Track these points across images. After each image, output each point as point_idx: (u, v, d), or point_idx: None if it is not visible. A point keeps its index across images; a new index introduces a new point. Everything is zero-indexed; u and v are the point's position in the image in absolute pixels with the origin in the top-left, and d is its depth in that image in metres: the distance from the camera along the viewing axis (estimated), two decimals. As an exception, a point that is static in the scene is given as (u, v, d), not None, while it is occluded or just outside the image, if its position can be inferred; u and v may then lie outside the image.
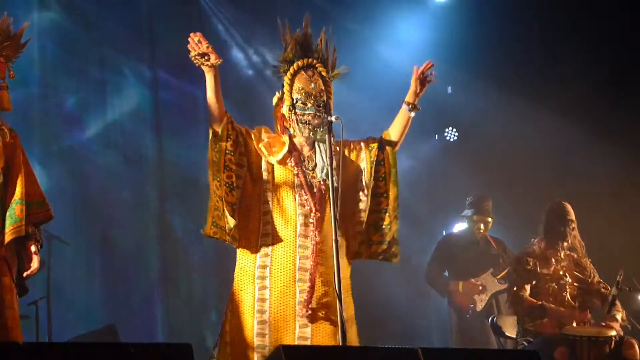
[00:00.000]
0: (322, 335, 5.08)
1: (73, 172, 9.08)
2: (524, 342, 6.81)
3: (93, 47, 9.31)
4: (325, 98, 5.24)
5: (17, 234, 4.90)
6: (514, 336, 7.04)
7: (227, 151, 5.15)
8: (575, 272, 6.84)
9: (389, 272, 9.15)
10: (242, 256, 5.20)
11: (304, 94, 5.23)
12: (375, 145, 5.34)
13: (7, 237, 4.89)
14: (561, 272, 6.82)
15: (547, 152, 9.55)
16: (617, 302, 6.75)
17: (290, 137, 5.29)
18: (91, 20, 9.28)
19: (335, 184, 4.98)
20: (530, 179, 9.42)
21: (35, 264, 5.01)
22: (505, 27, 9.63)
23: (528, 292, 6.85)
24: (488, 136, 9.86)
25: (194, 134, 9.62)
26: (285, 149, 5.21)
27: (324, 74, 5.29)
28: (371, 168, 5.30)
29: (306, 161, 5.26)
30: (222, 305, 9.42)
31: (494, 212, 8.61)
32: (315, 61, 5.29)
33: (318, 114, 5.20)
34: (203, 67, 5.02)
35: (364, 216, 5.27)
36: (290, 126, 5.26)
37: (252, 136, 5.23)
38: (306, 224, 5.15)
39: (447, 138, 10.38)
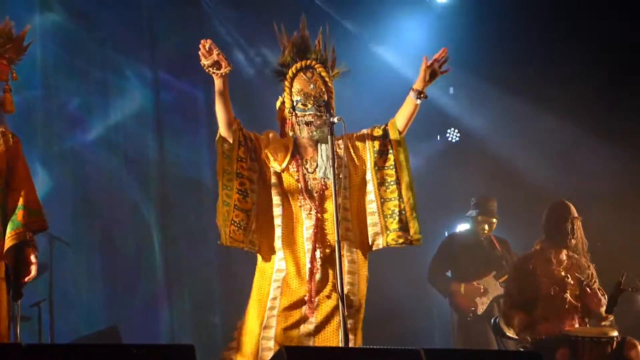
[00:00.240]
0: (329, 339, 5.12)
1: (75, 173, 9.09)
2: (526, 344, 6.80)
3: (94, 48, 9.32)
4: (325, 98, 5.25)
5: (18, 240, 4.90)
6: (515, 337, 7.03)
7: (239, 158, 5.18)
8: (577, 274, 6.83)
9: (391, 273, 9.14)
10: (262, 260, 5.25)
11: (303, 95, 5.25)
12: (379, 134, 5.33)
13: (8, 243, 4.89)
14: (563, 273, 6.81)
15: (548, 152, 9.55)
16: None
17: (295, 140, 5.30)
18: (92, 21, 9.29)
19: (336, 186, 4.99)
20: (532, 179, 9.42)
21: (33, 272, 5.00)
22: (507, 27, 9.62)
23: (522, 300, 6.80)
24: (490, 137, 9.86)
25: (195, 134, 9.64)
26: (289, 155, 5.22)
27: (323, 74, 5.30)
28: (375, 157, 5.31)
29: (308, 163, 5.28)
30: (225, 307, 9.52)
31: (497, 212, 8.61)
32: (313, 62, 5.31)
33: (319, 114, 5.21)
34: (214, 74, 5.01)
35: (374, 207, 5.28)
36: (292, 128, 5.27)
37: (260, 141, 5.25)
38: (310, 227, 5.17)
39: (449, 139, 10.39)
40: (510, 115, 9.60)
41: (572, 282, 6.77)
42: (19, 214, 4.93)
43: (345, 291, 5.00)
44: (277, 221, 5.20)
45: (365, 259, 5.31)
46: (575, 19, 9.34)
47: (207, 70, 4.99)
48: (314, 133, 5.24)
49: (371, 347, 5.03)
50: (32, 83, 8.69)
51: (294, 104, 5.26)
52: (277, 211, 5.20)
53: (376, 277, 8.38)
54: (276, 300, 5.12)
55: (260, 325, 5.11)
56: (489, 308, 8.31)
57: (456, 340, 8.57)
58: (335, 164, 5.00)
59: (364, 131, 5.36)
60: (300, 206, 5.20)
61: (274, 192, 5.22)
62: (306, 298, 5.11)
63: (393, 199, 5.30)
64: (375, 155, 5.31)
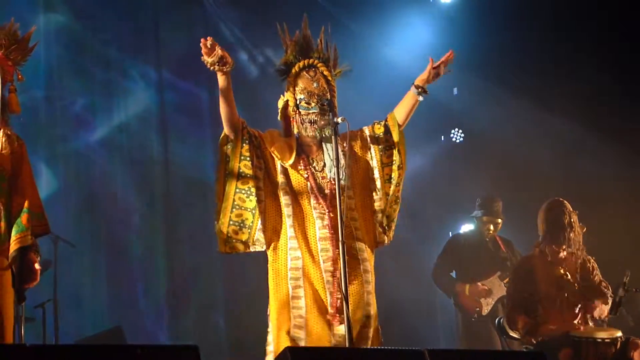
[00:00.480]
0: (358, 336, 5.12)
1: (79, 174, 9.10)
2: (525, 347, 6.80)
3: (99, 49, 9.33)
4: (329, 97, 5.27)
5: (23, 244, 4.90)
6: (519, 337, 7.03)
7: (242, 157, 5.17)
8: (577, 272, 6.82)
9: (395, 273, 9.15)
10: (274, 259, 5.23)
11: (307, 94, 5.25)
12: (381, 130, 5.35)
13: (14, 246, 4.89)
14: (562, 271, 6.80)
15: (553, 152, 9.54)
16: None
17: (298, 139, 5.31)
18: (97, 22, 9.29)
19: (342, 185, 5.00)
20: (537, 179, 9.41)
21: (37, 279, 5.00)
22: (511, 27, 9.62)
23: (524, 303, 6.79)
24: (494, 137, 9.85)
25: (199, 135, 9.64)
26: (294, 152, 5.22)
27: (325, 72, 5.31)
28: (380, 155, 5.33)
29: (315, 162, 5.28)
30: (228, 307, 9.52)
31: (502, 213, 8.61)
32: (316, 61, 5.32)
33: (322, 112, 5.22)
34: (218, 72, 5.00)
35: (379, 205, 5.30)
36: (296, 127, 5.28)
37: (264, 139, 5.25)
38: (323, 227, 5.17)
39: (453, 139, 10.38)
40: (515, 115, 9.59)
41: (571, 280, 6.77)
42: (23, 218, 4.93)
43: (367, 300, 5.14)
44: (289, 221, 5.19)
45: (372, 255, 5.33)
46: (579, 18, 9.33)
47: (210, 67, 4.97)
48: (318, 132, 5.25)
49: (375, 347, 5.04)
50: (37, 84, 8.70)
51: (298, 102, 5.27)
52: (287, 210, 5.20)
53: (380, 277, 8.38)
54: (300, 300, 5.11)
55: (288, 332, 5.10)
56: (493, 308, 8.30)
57: (460, 340, 8.57)
58: (340, 164, 5.01)
59: (365, 129, 5.36)
60: (311, 205, 5.20)
61: (282, 191, 5.22)
62: (330, 301, 5.11)
63: (394, 193, 5.34)
64: (380, 152, 5.34)
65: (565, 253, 6.84)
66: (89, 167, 9.18)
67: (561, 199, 6.98)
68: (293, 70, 5.32)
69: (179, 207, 9.61)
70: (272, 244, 5.22)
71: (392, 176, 5.34)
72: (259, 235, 5.19)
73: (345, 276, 4.86)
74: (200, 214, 9.35)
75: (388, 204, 5.33)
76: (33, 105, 8.58)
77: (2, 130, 4.92)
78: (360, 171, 5.32)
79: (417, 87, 5.30)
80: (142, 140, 9.52)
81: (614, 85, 9.23)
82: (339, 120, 5.08)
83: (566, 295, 6.73)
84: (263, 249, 5.24)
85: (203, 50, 4.93)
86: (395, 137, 5.31)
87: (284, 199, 5.21)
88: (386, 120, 5.36)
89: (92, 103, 9.32)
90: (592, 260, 6.89)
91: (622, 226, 8.90)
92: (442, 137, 10.46)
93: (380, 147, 5.34)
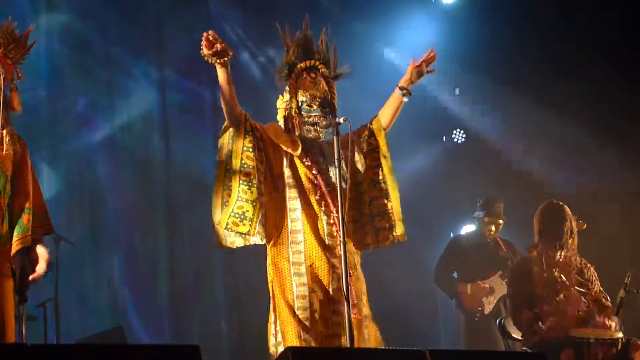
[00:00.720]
0: (369, 336, 5.11)
1: (81, 174, 9.10)
2: (531, 345, 6.79)
3: (101, 48, 9.33)
4: (330, 98, 5.27)
5: (23, 245, 4.90)
6: (521, 338, 7.03)
7: (245, 148, 5.16)
8: (575, 276, 6.80)
9: (396, 273, 9.16)
10: (275, 253, 5.21)
11: (309, 97, 5.26)
12: (366, 134, 5.37)
13: (14, 247, 4.89)
14: (556, 274, 6.78)
15: (554, 153, 9.54)
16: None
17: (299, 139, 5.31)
18: (99, 21, 9.29)
19: (344, 185, 5.00)
20: (538, 180, 9.41)
21: (42, 266, 4.99)
22: (513, 28, 9.62)
23: (526, 307, 6.78)
24: (496, 138, 9.85)
25: (202, 134, 9.64)
26: (300, 145, 5.22)
27: (326, 74, 5.32)
28: (365, 158, 5.33)
29: (319, 162, 5.29)
30: (230, 307, 9.52)
31: (504, 213, 8.60)
32: (317, 63, 5.32)
33: (324, 115, 5.22)
34: (217, 65, 4.99)
35: (365, 208, 5.32)
36: (296, 128, 5.28)
37: (267, 132, 5.24)
38: (330, 224, 5.17)
39: (455, 140, 10.38)
40: (516, 115, 9.59)
41: (567, 283, 6.75)
42: (24, 218, 4.92)
43: (359, 287, 5.13)
44: (295, 214, 5.18)
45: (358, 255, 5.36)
46: (581, 18, 9.32)
47: (209, 60, 4.95)
48: (321, 134, 5.26)
49: (376, 347, 5.04)
50: (39, 83, 8.70)
51: (300, 104, 5.27)
52: (294, 204, 5.20)
53: (382, 278, 8.40)
54: (305, 300, 5.10)
55: (297, 325, 5.09)
56: (495, 308, 8.31)
57: (462, 340, 8.57)
58: (341, 165, 5.01)
59: (350, 133, 5.35)
60: (318, 200, 5.20)
61: (288, 184, 5.21)
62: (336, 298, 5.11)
63: (380, 197, 5.34)
64: (365, 155, 5.36)
65: (561, 256, 6.83)
66: (90, 166, 9.18)
67: (559, 202, 6.95)
68: (294, 72, 5.33)
69: (181, 206, 9.60)
70: (272, 240, 5.21)
71: (375, 179, 5.35)
72: (259, 228, 5.14)
73: (346, 276, 4.85)
74: (203, 214, 9.31)
75: (372, 204, 5.33)
76: (35, 104, 8.58)
77: (4, 130, 4.92)
78: (350, 174, 5.31)
79: (401, 88, 5.33)
80: (144, 139, 9.52)
81: (616, 86, 9.22)
82: (341, 120, 5.08)
83: (563, 297, 6.72)
84: (263, 242, 5.20)
85: (204, 43, 4.91)
86: (380, 141, 5.33)
87: (290, 193, 5.20)
88: (371, 124, 5.38)
89: (94, 102, 9.31)
90: (592, 270, 6.87)
91: (624, 226, 8.90)
92: (444, 137, 10.45)
93: (365, 150, 5.36)
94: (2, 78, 4.90)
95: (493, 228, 8.55)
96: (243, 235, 5.14)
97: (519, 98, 9.50)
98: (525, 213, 8.43)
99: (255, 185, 5.15)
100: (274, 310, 5.19)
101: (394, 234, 5.34)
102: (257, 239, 5.15)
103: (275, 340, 5.16)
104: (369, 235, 5.34)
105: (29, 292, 5.05)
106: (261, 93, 8.87)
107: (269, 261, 5.24)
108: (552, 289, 6.71)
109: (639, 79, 9.09)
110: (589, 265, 6.87)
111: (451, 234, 9.63)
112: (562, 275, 6.77)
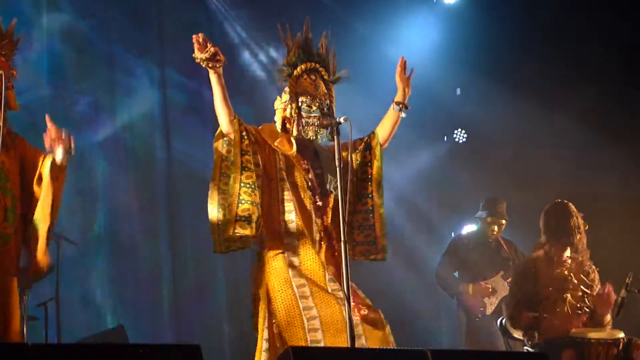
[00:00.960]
0: (373, 336, 5.10)
1: (82, 173, 9.09)
2: (525, 347, 6.79)
3: (103, 47, 9.32)
4: (328, 102, 5.29)
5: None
6: (522, 338, 7.02)
7: (243, 151, 5.16)
8: (581, 275, 6.81)
9: (397, 273, 9.16)
10: (271, 256, 5.20)
11: (309, 97, 5.27)
12: (361, 147, 5.39)
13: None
14: (566, 272, 6.79)
15: (556, 153, 9.53)
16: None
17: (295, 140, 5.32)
18: (101, 20, 9.29)
19: (344, 186, 5.00)
20: (540, 180, 9.40)
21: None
22: (514, 27, 9.62)
23: (527, 304, 6.77)
24: (497, 138, 9.85)
25: (203, 134, 9.63)
26: (295, 146, 5.23)
27: (326, 77, 5.35)
28: (357, 170, 5.35)
29: (314, 165, 5.30)
30: (231, 307, 9.51)
31: (506, 213, 8.60)
32: (317, 65, 5.34)
33: (323, 116, 5.23)
34: (210, 69, 5.01)
35: (349, 218, 5.27)
36: (294, 129, 5.28)
37: (262, 134, 5.25)
38: (323, 225, 5.18)
39: (456, 140, 10.38)
40: (518, 115, 9.58)
41: (575, 281, 6.76)
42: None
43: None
44: (290, 216, 5.19)
45: None
46: (583, 18, 9.32)
47: (204, 64, 4.97)
48: (318, 135, 5.26)
49: (377, 347, 5.03)
50: (40, 83, 8.70)
51: (299, 104, 5.28)
52: (289, 206, 5.20)
53: (382, 278, 8.40)
54: (309, 300, 5.08)
55: (303, 329, 5.08)
56: (497, 308, 8.31)
57: (463, 340, 8.57)
58: (341, 165, 5.00)
59: (348, 143, 5.36)
60: (313, 204, 5.21)
61: (282, 186, 5.22)
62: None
63: (364, 211, 5.35)
64: (357, 167, 5.38)
65: (568, 255, 6.83)
66: (92, 165, 9.17)
67: (566, 201, 6.96)
68: (295, 72, 5.33)
69: (183, 206, 9.60)
70: (270, 242, 5.20)
71: (362, 192, 5.36)
72: (261, 230, 5.16)
73: (347, 276, 4.85)
74: (205, 213, 9.34)
75: (354, 217, 5.34)
76: (37, 104, 8.57)
77: (4, 129, 4.93)
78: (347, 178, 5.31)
79: (397, 103, 5.35)
80: (145, 139, 9.52)
81: (619, 85, 9.21)
82: (342, 120, 5.08)
83: (569, 297, 6.72)
84: (257, 246, 5.21)
85: (195, 47, 4.93)
86: (374, 156, 5.36)
87: (286, 195, 5.21)
88: (368, 137, 5.40)
89: (96, 102, 9.31)
90: (596, 272, 6.87)
91: (626, 226, 8.89)
92: (445, 137, 10.46)
93: (359, 162, 5.38)
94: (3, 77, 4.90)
95: (496, 228, 8.55)
96: (242, 239, 5.16)
97: (520, 98, 9.49)
98: (526, 213, 8.44)
99: (257, 188, 5.14)
100: (268, 317, 5.16)
101: (373, 252, 5.36)
102: (256, 243, 5.17)
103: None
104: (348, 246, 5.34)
105: (29, 291, 5.07)
106: (262, 92, 8.88)
107: (262, 266, 5.22)
108: (559, 287, 6.72)
109: (641, 78, 9.11)
110: (593, 267, 6.88)
111: (452, 233, 9.63)
112: (571, 274, 6.78)
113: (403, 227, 9.36)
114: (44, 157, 5.02)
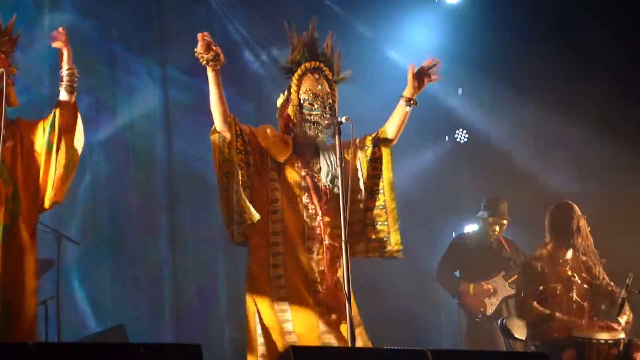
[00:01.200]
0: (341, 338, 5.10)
1: (83, 172, 9.09)
2: (533, 345, 6.79)
3: (104, 47, 9.32)
4: (331, 101, 5.29)
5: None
6: (523, 339, 7.03)
7: (238, 150, 5.18)
8: (583, 274, 6.82)
9: (398, 273, 9.14)
10: (255, 255, 5.22)
11: (311, 95, 5.28)
12: (370, 143, 5.38)
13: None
14: (569, 272, 6.80)
15: (557, 153, 9.54)
16: (626, 305, 6.73)
17: (294, 139, 5.32)
18: (102, 20, 9.28)
19: (344, 186, 5.00)
20: (541, 180, 9.40)
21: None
22: (516, 28, 9.62)
23: (536, 299, 6.80)
24: (498, 138, 9.85)
25: (204, 133, 9.62)
26: (290, 149, 5.24)
27: (330, 77, 5.35)
28: (367, 167, 5.34)
29: (311, 164, 5.30)
30: (232, 307, 9.51)
31: (508, 213, 8.61)
32: (322, 65, 5.34)
33: (325, 114, 5.23)
34: (210, 67, 5.03)
35: (360, 216, 5.32)
36: (295, 127, 5.29)
37: (257, 135, 5.26)
38: (312, 227, 5.18)
39: (458, 140, 10.39)
40: (519, 116, 9.59)
41: (578, 281, 6.77)
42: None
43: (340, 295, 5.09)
44: (275, 216, 5.20)
45: None
46: (586, 18, 9.31)
47: (205, 62, 4.99)
48: (320, 133, 5.26)
49: (378, 347, 5.04)
50: (42, 82, 8.69)
51: (301, 102, 5.28)
52: (275, 206, 5.21)
53: (383, 278, 8.40)
54: (285, 303, 5.11)
55: (280, 333, 5.10)
56: (498, 309, 8.31)
57: (464, 340, 8.57)
58: (343, 164, 5.01)
59: (356, 139, 5.37)
60: (303, 204, 5.21)
61: (271, 187, 5.22)
62: (315, 299, 5.11)
63: (377, 207, 5.34)
64: (367, 164, 5.35)
65: (572, 255, 6.85)
66: (93, 165, 9.17)
67: (570, 202, 6.99)
68: (299, 70, 5.34)
69: (184, 205, 9.60)
70: (255, 240, 5.22)
71: (374, 189, 5.35)
72: (245, 228, 5.18)
73: (348, 277, 4.85)
74: (206, 212, 9.35)
75: (367, 214, 5.33)
76: (38, 104, 8.57)
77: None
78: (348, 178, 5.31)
79: (405, 98, 5.35)
80: (147, 138, 9.52)
81: (622, 85, 9.21)
82: (343, 119, 5.09)
83: (571, 296, 6.73)
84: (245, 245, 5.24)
85: (200, 44, 4.95)
86: (384, 152, 5.36)
87: (272, 195, 5.22)
88: (378, 134, 5.38)
89: (98, 101, 9.30)
90: (600, 264, 6.89)
91: (626, 227, 8.89)
92: (447, 137, 10.47)
93: (368, 158, 5.36)
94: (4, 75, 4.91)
95: (497, 228, 8.55)
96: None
97: (522, 98, 9.50)
98: (527, 213, 8.45)
99: (247, 187, 5.17)
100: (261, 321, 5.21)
101: (388, 247, 5.35)
102: (241, 240, 5.18)
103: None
104: (360, 244, 5.35)
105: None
106: (263, 91, 8.88)
107: (249, 262, 5.25)
108: (563, 288, 6.72)
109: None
110: (596, 260, 6.90)
111: (453, 233, 9.63)
112: (575, 275, 6.79)
113: (404, 227, 9.37)
114: (44, 120, 5.04)
